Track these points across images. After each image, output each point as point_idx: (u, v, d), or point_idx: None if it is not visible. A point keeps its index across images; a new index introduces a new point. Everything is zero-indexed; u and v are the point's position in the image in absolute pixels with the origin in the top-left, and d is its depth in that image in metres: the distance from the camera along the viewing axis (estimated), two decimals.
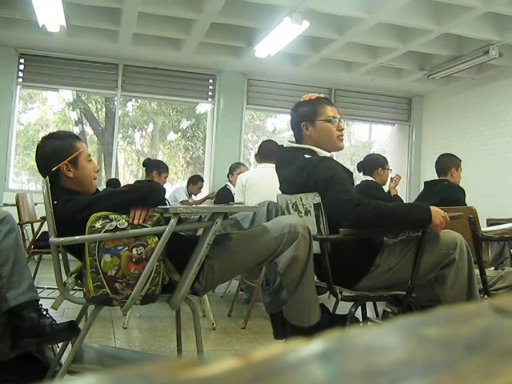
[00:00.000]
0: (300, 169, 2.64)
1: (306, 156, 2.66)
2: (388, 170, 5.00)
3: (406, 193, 9.28)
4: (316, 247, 2.47)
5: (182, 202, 6.83)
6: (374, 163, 4.92)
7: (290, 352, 0.24)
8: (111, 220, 2.14)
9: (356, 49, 7.41)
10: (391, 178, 5.10)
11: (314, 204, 2.54)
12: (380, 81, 8.63)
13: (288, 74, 8.51)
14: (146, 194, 2.25)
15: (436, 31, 6.38)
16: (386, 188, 5.16)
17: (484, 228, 3.75)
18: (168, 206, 2.39)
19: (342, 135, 2.81)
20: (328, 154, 2.71)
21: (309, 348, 0.24)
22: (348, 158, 14.18)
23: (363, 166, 4.98)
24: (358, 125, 13.30)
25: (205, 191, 8.05)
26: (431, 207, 2.52)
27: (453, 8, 5.84)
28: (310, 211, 2.61)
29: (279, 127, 16.13)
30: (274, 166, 4.71)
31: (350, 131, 15.27)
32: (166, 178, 5.70)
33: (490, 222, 4.65)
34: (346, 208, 2.40)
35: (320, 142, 2.73)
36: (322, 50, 7.31)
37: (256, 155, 5.00)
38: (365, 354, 0.23)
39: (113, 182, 6.93)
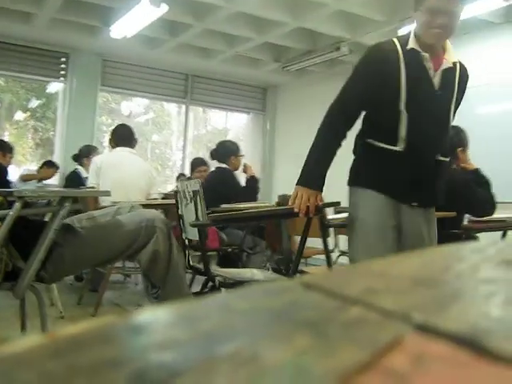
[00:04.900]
0: None
1: None
2: (240, 156, 5.09)
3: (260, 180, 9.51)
4: (194, 232, 2.49)
5: (21, 176, 6.43)
6: (226, 151, 4.99)
7: (103, 327, 0.24)
8: None
9: (213, 36, 7.46)
10: (244, 165, 5.19)
11: (192, 191, 2.57)
12: (237, 70, 8.75)
13: (144, 57, 8.36)
14: None
15: (291, 24, 6.59)
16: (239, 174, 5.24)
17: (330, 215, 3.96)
18: (12, 189, 2.27)
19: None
20: None
21: (122, 323, 0.25)
22: (204, 144, 14.27)
23: (216, 154, 5.02)
24: (215, 112, 13.44)
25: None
26: None
27: (307, 3, 6.05)
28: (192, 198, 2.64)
29: (135, 111, 15.82)
30: (129, 150, 4.66)
31: (207, 118, 15.40)
32: (10, 158, 5.37)
33: (337, 210, 4.89)
34: None
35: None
36: (179, 35, 7.27)
37: (110, 140, 4.86)
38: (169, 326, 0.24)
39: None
